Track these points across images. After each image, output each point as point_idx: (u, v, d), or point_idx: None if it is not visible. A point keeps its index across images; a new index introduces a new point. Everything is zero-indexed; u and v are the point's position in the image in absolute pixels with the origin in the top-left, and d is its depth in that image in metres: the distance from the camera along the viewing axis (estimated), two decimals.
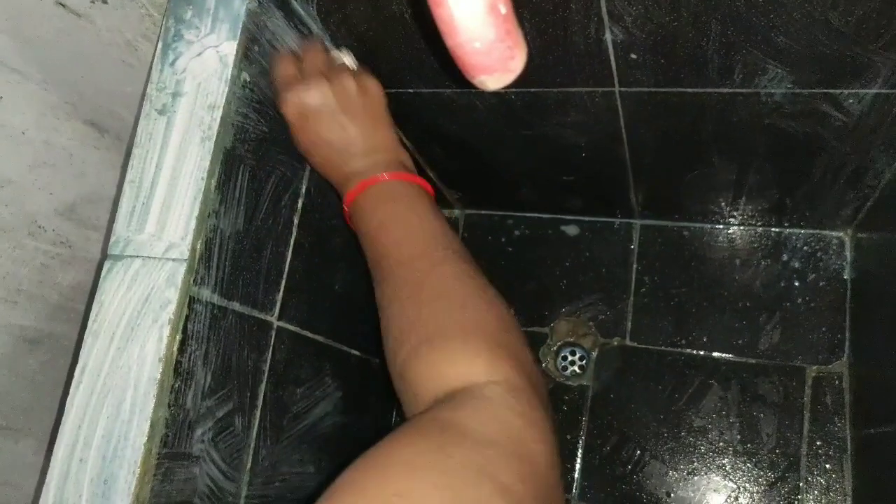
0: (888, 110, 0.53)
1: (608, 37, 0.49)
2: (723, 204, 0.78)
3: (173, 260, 0.46)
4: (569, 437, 0.82)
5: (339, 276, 0.67)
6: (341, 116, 0.53)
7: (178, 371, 0.45)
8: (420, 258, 0.49)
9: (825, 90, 0.52)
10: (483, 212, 0.91)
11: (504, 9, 0.26)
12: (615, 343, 0.83)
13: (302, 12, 0.53)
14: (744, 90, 0.53)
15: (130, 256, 0.47)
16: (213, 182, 0.47)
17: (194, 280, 0.46)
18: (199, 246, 0.46)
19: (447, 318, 0.45)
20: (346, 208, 0.56)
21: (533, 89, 0.58)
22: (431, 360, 0.43)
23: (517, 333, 0.47)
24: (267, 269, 0.55)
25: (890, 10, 0.42)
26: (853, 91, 0.51)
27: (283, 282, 0.57)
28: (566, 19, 0.48)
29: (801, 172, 0.67)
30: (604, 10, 0.46)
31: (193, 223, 0.46)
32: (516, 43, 0.28)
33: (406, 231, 0.51)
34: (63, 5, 0.49)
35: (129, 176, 0.48)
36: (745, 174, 0.70)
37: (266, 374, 0.55)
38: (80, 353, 0.45)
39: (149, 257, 0.46)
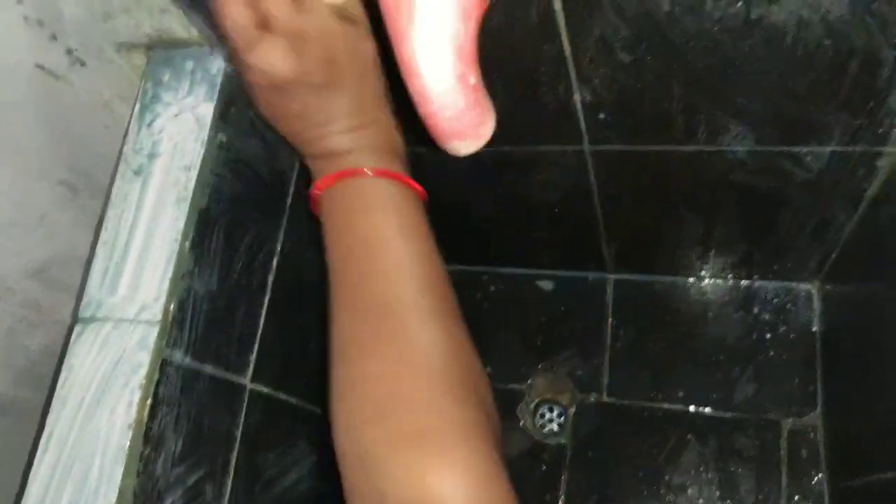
0: (844, 166, 0.55)
1: (577, 98, 0.50)
2: (693, 257, 0.79)
3: (146, 322, 0.45)
4: (548, 497, 0.81)
5: (314, 335, 0.67)
6: (321, 86, 0.41)
7: (149, 437, 0.44)
8: (404, 306, 0.39)
9: (785, 148, 0.54)
10: (458, 267, 0.91)
11: (473, 79, 0.28)
12: (592, 399, 0.83)
13: None
14: (708, 148, 0.55)
15: (102, 319, 0.46)
16: (188, 243, 0.47)
17: (167, 342, 0.45)
18: (172, 307, 0.46)
19: (442, 407, 0.36)
20: (314, 192, 0.46)
21: (505, 147, 0.59)
22: (418, 465, 0.34)
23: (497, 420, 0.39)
24: (240, 329, 0.54)
25: (839, 76, 0.45)
26: (811, 149, 0.54)
27: (257, 342, 0.56)
28: (536, 81, 0.50)
29: (767, 226, 0.69)
30: (572, 73, 0.48)
31: (167, 284, 0.45)
32: (485, 110, 0.29)
33: (387, 264, 0.41)
34: (42, 67, 0.49)
35: (102, 237, 0.47)
36: (713, 228, 0.72)
37: (238, 439, 0.54)
38: (47, 419, 0.44)
39: (121, 320, 0.46)
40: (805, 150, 0.54)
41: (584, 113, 0.52)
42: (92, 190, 0.58)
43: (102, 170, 0.56)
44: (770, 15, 0.41)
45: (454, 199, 0.72)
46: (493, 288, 0.90)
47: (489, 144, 0.57)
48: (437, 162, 0.63)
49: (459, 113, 0.28)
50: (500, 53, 0.47)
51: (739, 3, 0.40)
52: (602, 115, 0.53)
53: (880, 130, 0.49)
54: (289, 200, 0.60)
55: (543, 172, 0.62)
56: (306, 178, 0.63)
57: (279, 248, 0.59)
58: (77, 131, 0.54)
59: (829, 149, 0.53)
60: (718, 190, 0.63)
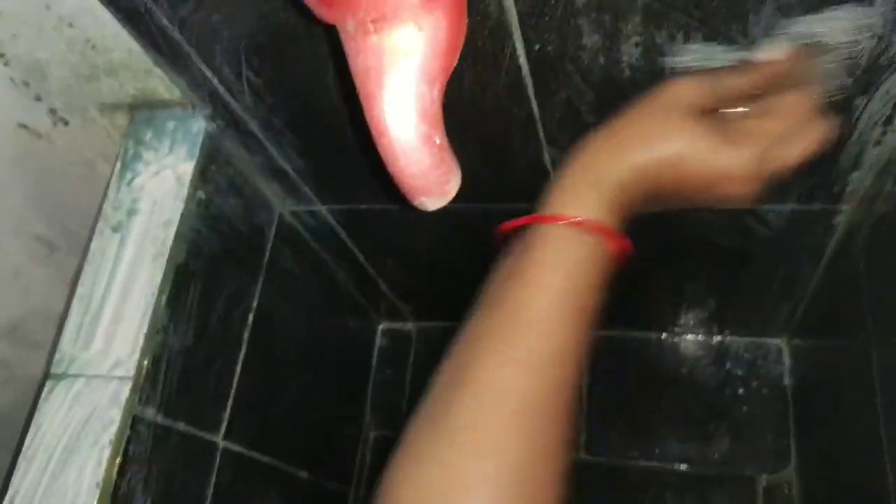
0: (804, 224, 0.57)
1: (547, 156, 0.52)
2: (667, 314, 0.81)
3: (118, 378, 0.45)
4: None
5: (289, 392, 0.66)
6: None
7: (116, 497, 0.43)
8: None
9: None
10: (435, 324, 0.92)
11: (438, 139, 0.29)
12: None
13: (258, 133, 0.55)
14: None
15: (74, 375, 0.46)
16: (164, 298, 0.47)
17: (139, 399, 0.45)
18: (146, 363, 0.46)
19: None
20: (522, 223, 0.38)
21: (480, 204, 0.61)
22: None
23: None
24: (215, 385, 0.54)
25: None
26: (772, 207, 0.56)
27: (231, 398, 0.56)
28: (508, 141, 0.52)
29: (735, 282, 0.71)
30: (541, 134, 0.50)
31: (142, 340, 0.46)
32: (450, 169, 0.31)
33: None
34: (25, 126, 0.50)
35: (78, 292, 0.48)
36: (683, 285, 0.73)
37: (209, 499, 0.53)
38: (12, 480, 0.43)
39: (93, 376, 0.45)
40: (766, 207, 0.56)
41: (554, 170, 0.54)
42: (69, 246, 0.58)
43: (81, 227, 0.57)
44: None
45: (431, 255, 0.73)
46: None
47: (464, 200, 0.59)
48: (415, 219, 0.65)
49: (425, 170, 0.30)
50: (473, 116, 0.49)
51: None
52: None
53: (835, 189, 0.52)
54: (266, 256, 0.61)
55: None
56: (284, 234, 0.64)
57: (256, 304, 0.59)
58: (57, 189, 0.55)
59: (788, 207, 0.55)
60: (687, 248, 0.65)
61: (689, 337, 0.83)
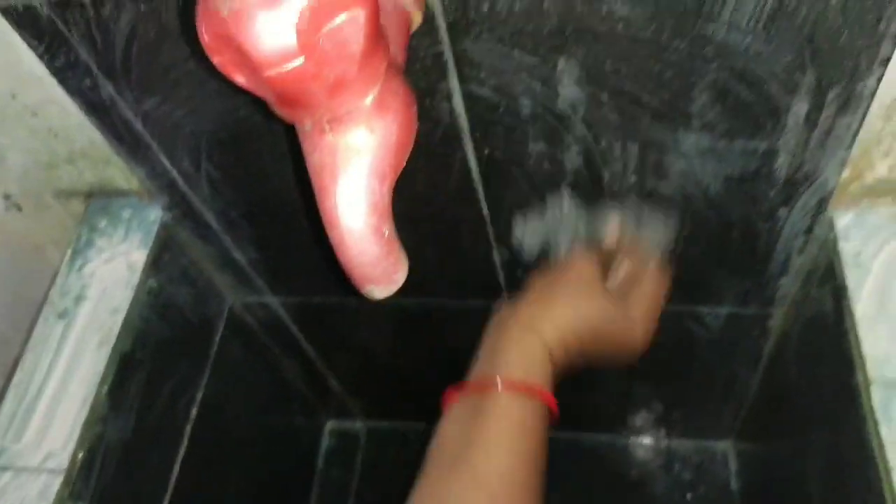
0: (741, 327, 0.60)
1: (496, 255, 0.54)
2: (615, 416, 0.81)
3: (49, 471, 0.43)
4: None
5: (229, 491, 0.64)
6: None
7: None
8: None
9: (687, 307, 0.59)
10: (385, 423, 0.90)
11: (387, 231, 0.31)
12: None
13: (214, 224, 0.56)
14: None
15: (1, 468, 0.44)
16: (106, 387, 0.46)
17: (70, 493, 0.43)
18: (80, 456, 0.44)
19: None
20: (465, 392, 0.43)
21: (430, 299, 0.62)
22: None
23: None
24: (152, 482, 0.52)
25: (724, 244, 0.50)
26: (710, 309, 0.58)
27: (168, 495, 0.53)
28: (458, 239, 0.54)
29: (680, 385, 0.72)
30: (490, 234, 0.52)
31: (78, 430, 0.44)
32: (398, 259, 0.33)
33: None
34: None
35: (14, 380, 0.46)
36: (630, 387, 0.75)
37: None
38: None
39: (23, 469, 0.43)
40: (705, 310, 0.59)
41: (503, 269, 0.56)
42: (10, 336, 0.57)
43: (26, 314, 0.56)
44: (660, 187, 0.46)
45: (384, 351, 0.73)
46: (419, 446, 0.88)
47: (415, 294, 0.59)
48: (367, 313, 0.66)
49: (374, 260, 0.31)
50: (426, 214, 0.51)
51: (633, 177, 0.46)
52: (519, 272, 0.56)
53: (766, 293, 0.55)
54: (215, 347, 0.60)
55: (469, 325, 0.65)
56: (234, 325, 0.63)
57: (200, 396, 0.58)
58: (2, 276, 0.54)
59: (725, 310, 0.58)
60: None
61: (638, 440, 0.84)
